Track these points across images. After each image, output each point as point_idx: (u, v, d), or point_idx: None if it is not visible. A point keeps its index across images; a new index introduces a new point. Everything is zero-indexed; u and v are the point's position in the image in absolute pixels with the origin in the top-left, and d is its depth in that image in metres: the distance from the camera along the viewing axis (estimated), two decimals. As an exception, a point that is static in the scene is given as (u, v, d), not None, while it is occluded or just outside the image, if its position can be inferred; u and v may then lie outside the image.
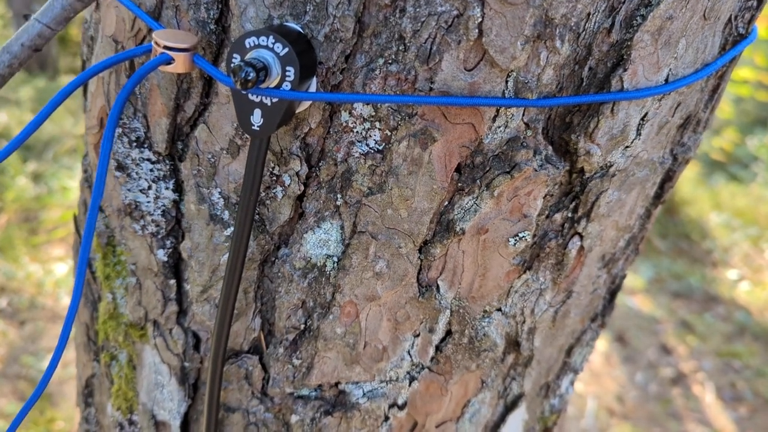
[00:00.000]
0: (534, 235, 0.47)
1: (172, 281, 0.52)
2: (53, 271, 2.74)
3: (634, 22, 0.39)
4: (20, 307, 2.57)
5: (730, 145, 3.83)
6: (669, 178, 0.52)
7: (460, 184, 0.43)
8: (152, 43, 0.40)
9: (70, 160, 3.77)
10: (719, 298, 2.78)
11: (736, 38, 0.46)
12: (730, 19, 0.44)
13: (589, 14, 0.38)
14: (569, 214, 0.47)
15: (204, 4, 0.42)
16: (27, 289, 2.63)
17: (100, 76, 0.51)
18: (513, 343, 0.53)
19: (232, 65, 0.37)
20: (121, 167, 0.50)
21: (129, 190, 0.50)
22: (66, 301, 2.59)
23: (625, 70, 0.40)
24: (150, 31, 0.46)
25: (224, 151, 0.46)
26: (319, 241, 0.46)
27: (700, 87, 0.47)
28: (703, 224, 3.37)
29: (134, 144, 0.49)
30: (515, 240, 0.45)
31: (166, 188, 0.49)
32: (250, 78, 0.35)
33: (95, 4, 0.53)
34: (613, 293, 0.60)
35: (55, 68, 4.94)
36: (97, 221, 0.56)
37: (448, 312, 0.49)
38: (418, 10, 0.38)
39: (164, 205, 0.50)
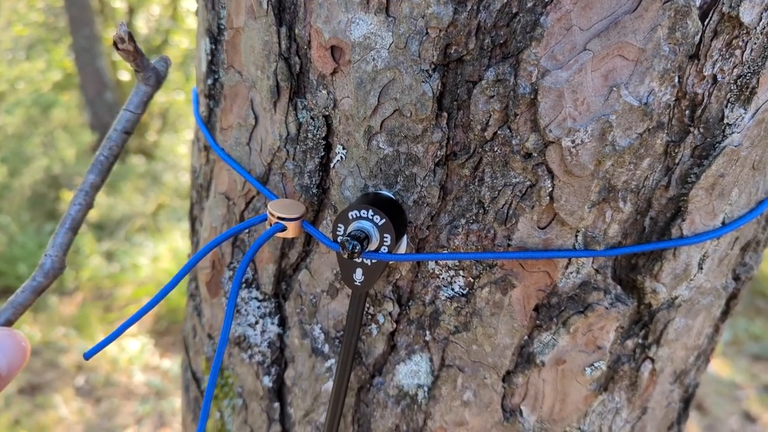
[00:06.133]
0: (608, 363, 0.50)
1: (276, 404, 0.58)
2: (126, 348, 2.86)
3: (689, 179, 0.44)
4: (96, 384, 2.69)
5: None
6: (734, 296, 0.55)
7: (538, 322, 0.48)
8: (267, 213, 0.48)
9: (140, 237, 3.97)
10: (800, 360, 2.65)
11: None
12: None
13: (647, 176, 0.43)
14: (640, 341, 0.51)
15: (307, 172, 0.50)
16: (102, 366, 2.76)
17: (213, 225, 0.59)
18: (593, 457, 0.56)
19: (339, 239, 0.44)
20: (231, 304, 0.57)
21: (238, 324, 0.57)
22: (139, 377, 2.70)
23: (684, 220, 0.45)
24: (258, 192, 0.54)
25: (324, 293, 0.52)
26: (410, 372, 0.52)
27: (756, 220, 0.51)
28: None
29: (243, 285, 0.56)
30: (591, 369, 0.49)
31: (272, 323, 0.56)
32: (356, 251, 0.42)
33: (205, 158, 0.62)
34: (687, 401, 0.62)
35: (126, 150, 5.28)
36: (207, 346, 0.64)
37: (530, 432, 0.53)
38: (495, 181, 0.44)
39: (270, 338, 0.56)
